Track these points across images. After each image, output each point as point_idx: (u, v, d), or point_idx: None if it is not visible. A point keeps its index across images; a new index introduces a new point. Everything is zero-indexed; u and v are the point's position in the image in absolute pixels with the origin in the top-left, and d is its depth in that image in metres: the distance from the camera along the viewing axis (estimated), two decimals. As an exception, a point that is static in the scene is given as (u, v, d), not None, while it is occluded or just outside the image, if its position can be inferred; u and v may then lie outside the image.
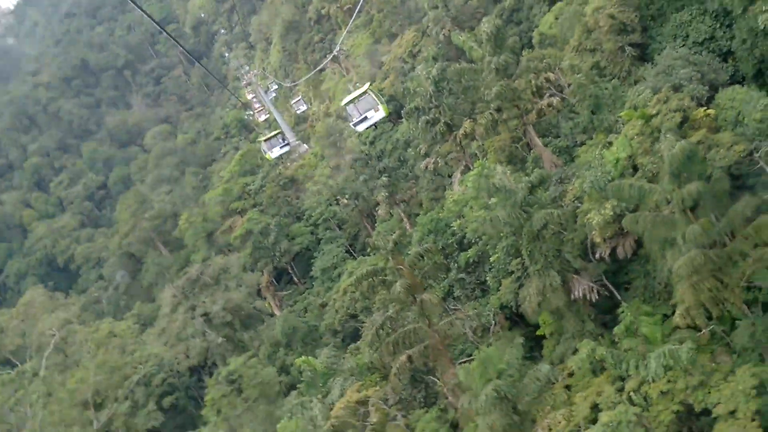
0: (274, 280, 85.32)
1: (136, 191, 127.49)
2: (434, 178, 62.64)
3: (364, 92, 37.44)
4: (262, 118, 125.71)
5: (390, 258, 37.25)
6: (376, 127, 55.00)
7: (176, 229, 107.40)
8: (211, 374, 76.17)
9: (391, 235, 55.15)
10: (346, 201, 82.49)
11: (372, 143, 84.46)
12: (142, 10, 17.39)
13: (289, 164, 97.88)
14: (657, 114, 37.18)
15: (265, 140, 73.99)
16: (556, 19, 61.54)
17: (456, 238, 44.78)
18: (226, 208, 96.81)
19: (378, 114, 37.39)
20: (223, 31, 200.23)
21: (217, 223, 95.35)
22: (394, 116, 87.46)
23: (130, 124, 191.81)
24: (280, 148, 72.84)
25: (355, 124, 37.86)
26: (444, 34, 76.73)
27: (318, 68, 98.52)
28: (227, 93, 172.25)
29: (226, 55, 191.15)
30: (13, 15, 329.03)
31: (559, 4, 65.22)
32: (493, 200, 39.16)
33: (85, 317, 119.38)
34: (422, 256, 36.87)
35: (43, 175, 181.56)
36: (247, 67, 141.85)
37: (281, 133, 78.95)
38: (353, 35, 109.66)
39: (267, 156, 76.86)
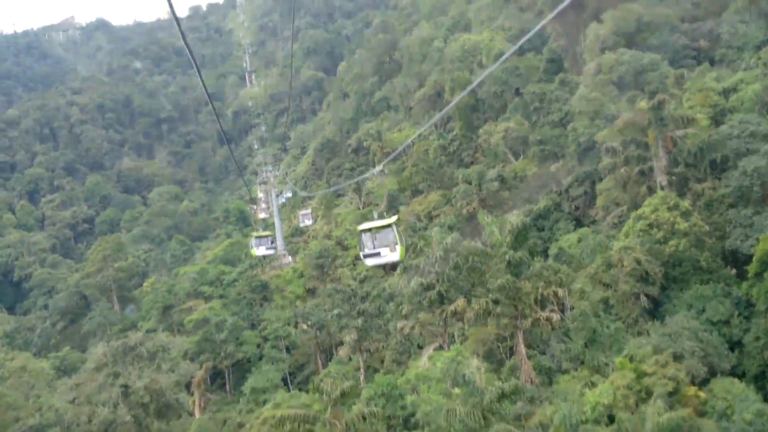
0: (208, 378, 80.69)
1: (118, 237, 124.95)
2: (405, 342, 60.14)
3: (389, 225, 32.08)
4: (262, 215, 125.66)
5: (330, 407, 34.10)
6: (385, 269, 50.25)
7: (139, 290, 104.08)
8: (104, 450, 70.91)
9: (342, 380, 51.82)
10: (305, 327, 79.60)
11: (362, 282, 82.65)
12: (202, 79, 19.26)
13: (267, 270, 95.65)
14: (651, 375, 35.33)
15: (257, 237, 76.96)
16: (579, 241, 61.41)
17: (405, 413, 41.67)
18: (195, 289, 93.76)
19: (392, 255, 31.71)
20: (264, 128, 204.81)
21: (179, 299, 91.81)
22: (388, 267, 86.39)
23: (143, 174, 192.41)
24: (266, 249, 76.15)
25: (366, 257, 32.47)
26: (467, 210, 77.01)
27: (337, 187, 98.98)
28: (241, 182, 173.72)
29: (256, 146, 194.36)
30: (82, 32, 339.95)
31: (585, 229, 65.53)
32: (456, 391, 36.49)
33: (11, 339, 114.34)
34: (365, 419, 33.67)
35: (38, 187, 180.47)
36: (270, 168, 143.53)
37: (273, 236, 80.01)
38: (382, 176, 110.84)
39: (252, 251, 78.64)
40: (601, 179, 67.01)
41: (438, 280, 45.83)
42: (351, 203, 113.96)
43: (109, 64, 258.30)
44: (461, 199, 79.07)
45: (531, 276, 41.36)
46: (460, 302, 44.23)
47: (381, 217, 34.06)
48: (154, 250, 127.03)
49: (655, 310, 44.48)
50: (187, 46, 15.37)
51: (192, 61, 15.35)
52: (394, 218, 33.44)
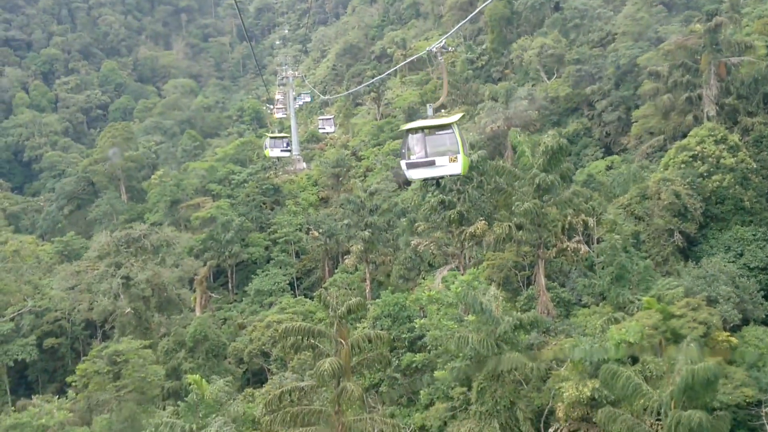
0: (211, 276, 79.53)
1: (128, 125, 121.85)
2: (414, 258, 58.05)
3: (448, 125, 22.63)
4: (279, 115, 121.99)
5: (336, 325, 31.95)
6: (438, 183, 40.24)
7: (147, 182, 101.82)
8: (105, 337, 70.63)
9: (348, 293, 49.73)
10: (317, 234, 77.91)
11: (372, 195, 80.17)
12: None
13: (280, 173, 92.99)
14: (680, 317, 32.83)
15: (271, 137, 75.53)
16: (607, 168, 58.24)
17: (411, 335, 39.66)
18: (203, 186, 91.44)
19: (452, 167, 22.58)
20: (287, 29, 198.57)
21: (186, 195, 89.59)
22: (403, 181, 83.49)
23: (159, 64, 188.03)
24: (281, 150, 74.71)
25: (411, 166, 23.35)
26: (491, 129, 73.35)
27: (355, 89, 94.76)
28: (258, 81, 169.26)
29: (277, 42, 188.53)
30: None
31: (615, 156, 62.08)
32: (470, 318, 34.27)
33: (16, 220, 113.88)
34: (370, 341, 31.51)
35: (54, 68, 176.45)
36: (291, 70, 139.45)
37: (288, 138, 77.88)
38: (405, 87, 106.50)
39: (266, 152, 77.07)
40: (637, 106, 63.39)
41: (459, 199, 42.69)
42: (369, 113, 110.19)
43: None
44: (486, 117, 75.15)
45: (560, 202, 38.25)
46: (480, 224, 41.29)
47: (438, 114, 24.20)
48: (165, 143, 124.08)
49: (689, 250, 41.71)
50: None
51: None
52: (457, 116, 24.01)
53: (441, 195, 42.88)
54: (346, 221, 69.87)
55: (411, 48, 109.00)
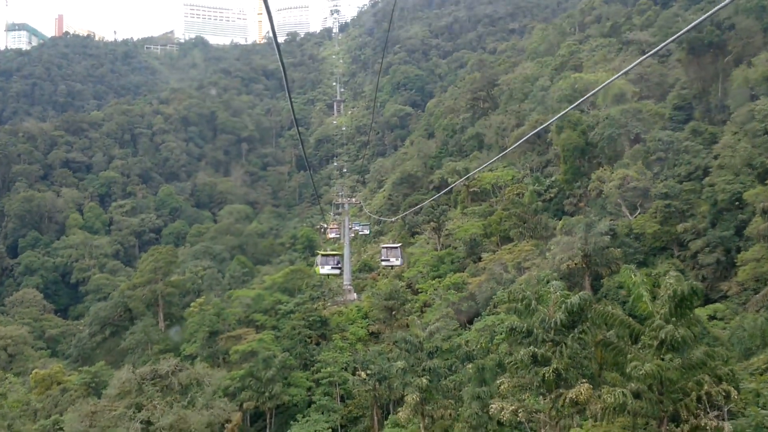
0: (248, 419, 70.81)
1: (172, 249, 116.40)
2: (482, 415, 48.57)
3: None
4: (332, 235, 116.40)
5: None
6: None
7: (188, 309, 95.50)
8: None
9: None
10: (364, 375, 69.21)
11: (431, 335, 71.65)
12: (291, 100, 18.91)
13: (329, 304, 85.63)
14: None
15: (323, 255, 73.06)
16: (710, 318, 49.48)
17: None
18: (247, 316, 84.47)
19: None
20: (346, 158, 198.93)
21: (228, 325, 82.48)
22: (465, 320, 75.09)
23: (217, 190, 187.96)
24: (332, 268, 71.90)
25: None
26: (567, 266, 65.42)
27: (420, 205, 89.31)
28: (313, 210, 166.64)
29: (335, 172, 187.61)
30: (179, 48, 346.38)
31: (718, 305, 53.33)
32: None
33: (55, 344, 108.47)
34: None
35: (111, 191, 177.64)
36: (347, 197, 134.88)
37: (340, 256, 76.59)
38: (466, 218, 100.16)
39: (316, 269, 75.11)
40: (739, 248, 55.05)
41: (554, 353, 33.55)
42: (428, 243, 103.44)
43: (200, 80, 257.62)
44: (560, 253, 67.28)
45: (689, 367, 29.06)
46: (584, 388, 31.87)
47: None
48: (213, 268, 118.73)
49: None
50: (283, 67, 14.45)
51: (284, 82, 10.35)
52: None
53: (533, 347, 33.83)
54: (400, 364, 60.96)
55: (473, 177, 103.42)
